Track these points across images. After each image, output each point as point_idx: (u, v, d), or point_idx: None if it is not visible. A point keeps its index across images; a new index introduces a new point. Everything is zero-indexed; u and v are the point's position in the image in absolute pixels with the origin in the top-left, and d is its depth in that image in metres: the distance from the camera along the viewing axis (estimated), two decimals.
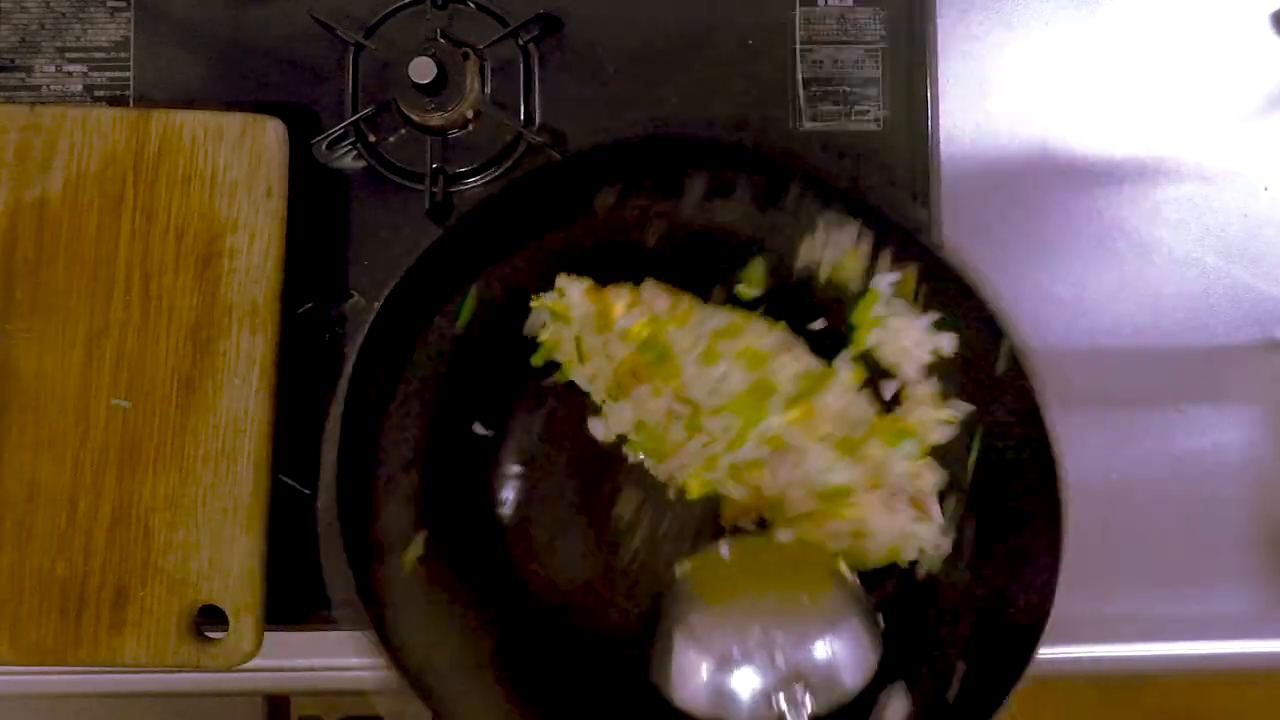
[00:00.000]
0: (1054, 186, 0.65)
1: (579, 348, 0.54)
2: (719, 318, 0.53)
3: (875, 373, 0.54)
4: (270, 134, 0.58)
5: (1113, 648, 0.63)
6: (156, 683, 0.60)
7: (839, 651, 0.49)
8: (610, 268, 0.55)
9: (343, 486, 0.48)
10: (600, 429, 0.56)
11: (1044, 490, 0.51)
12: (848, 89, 0.64)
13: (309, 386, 0.61)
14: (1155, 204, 0.65)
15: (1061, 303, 0.64)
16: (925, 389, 0.54)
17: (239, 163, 0.58)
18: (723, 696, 0.48)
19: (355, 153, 0.63)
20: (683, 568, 0.53)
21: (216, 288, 0.57)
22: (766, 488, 0.54)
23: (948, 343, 0.54)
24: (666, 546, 0.56)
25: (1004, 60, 0.66)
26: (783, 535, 0.53)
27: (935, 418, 0.53)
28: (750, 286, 0.55)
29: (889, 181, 0.62)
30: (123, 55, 0.63)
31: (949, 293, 0.53)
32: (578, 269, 0.55)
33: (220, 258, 0.57)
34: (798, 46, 0.64)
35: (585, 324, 0.53)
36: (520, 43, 0.63)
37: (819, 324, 0.55)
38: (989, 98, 0.65)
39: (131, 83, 0.63)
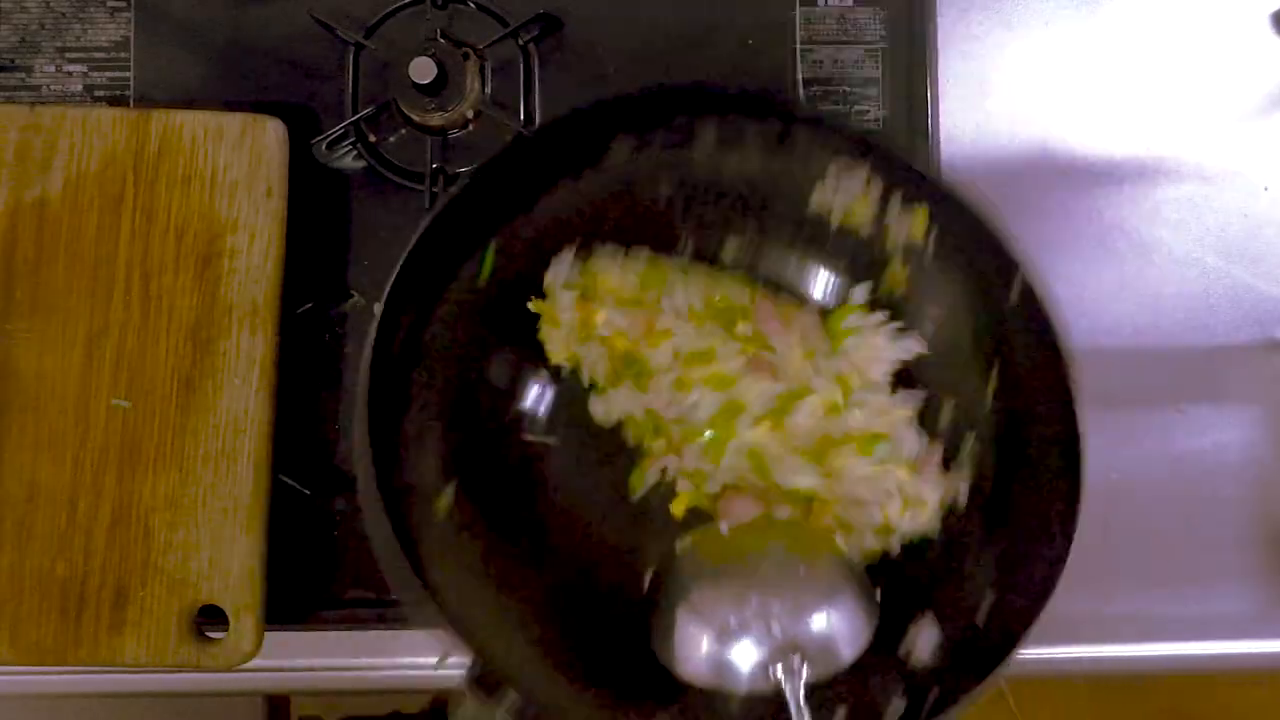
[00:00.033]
0: (1054, 186, 0.65)
1: (568, 348, 0.54)
2: (690, 338, 0.54)
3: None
4: (270, 134, 0.58)
5: (1113, 648, 0.63)
6: (156, 683, 0.60)
7: (835, 622, 0.50)
8: (626, 222, 0.55)
9: (374, 436, 0.48)
10: (600, 409, 0.56)
11: (1062, 414, 0.51)
12: (848, 89, 0.64)
13: (309, 386, 0.61)
14: (1155, 204, 0.65)
15: (1061, 303, 0.64)
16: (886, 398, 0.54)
17: (239, 163, 0.58)
18: (722, 667, 0.49)
19: (355, 153, 0.63)
20: (683, 543, 0.54)
21: (216, 288, 0.57)
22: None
23: (915, 346, 0.54)
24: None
25: (1004, 60, 0.66)
26: (780, 512, 0.54)
27: (901, 415, 0.54)
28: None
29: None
30: (123, 55, 0.63)
31: (960, 230, 0.53)
32: (593, 224, 0.54)
33: (220, 258, 0.57)
34: (798, 46, 0.64)
35: (572, 328, 0.54)
36: (520, 43, 0.63)
37: (828, 279, 0.56)
38: (989, 98, 0.65)
39: (131, 83, 0.63)
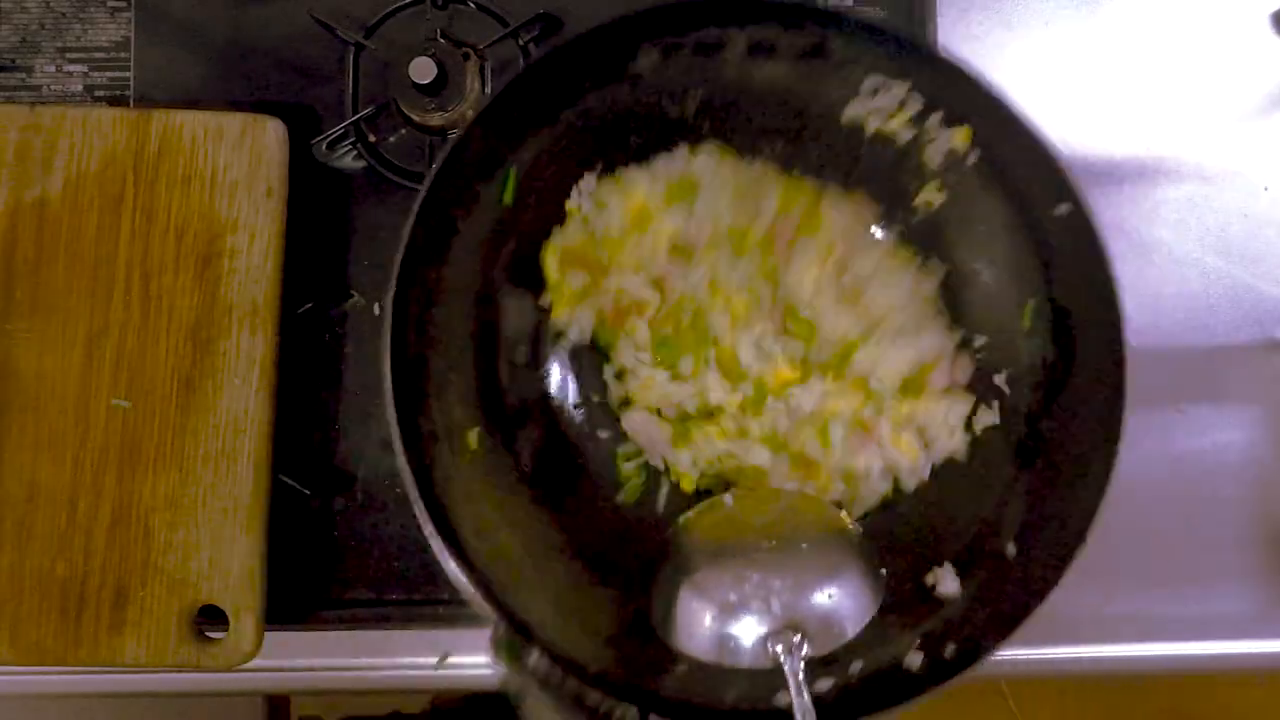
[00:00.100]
0: None
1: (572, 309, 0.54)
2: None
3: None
4: (270, 134, 0.58)
5: (1113, 648, 0.63)
6: (156, 683, 0.60)
7: (837, 599, 0.49)
8: (651, 139, 0.54)
9: (397, 378, 0.48)
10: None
11: (1107, 349, 0.50)
12: None
13: (309, 386, 0.61)
14: (1155, 204, 0.65)
15: None
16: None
17: (239, 163, 0.58)
18: (722, 644, 0.49)
19: (355, 153, 0.63)
20: (685, 516, 0.54)
21: (216, 288, 0.57)
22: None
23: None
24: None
25: (1004, 60, 0.66)
26: (787, 485, 0.54)
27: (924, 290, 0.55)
28: None
29: None
30: (123, 55, 0.63)
31: (1004, 152, 0.52)
32: (618, 142, 0.54)
33: (220, 258, 0.57)
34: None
35: (621, 224, 0.54)
36: (520, 43, 0.63)
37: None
38: None
39: (131, 83, 0.63)
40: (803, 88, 0.54)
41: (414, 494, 0.47)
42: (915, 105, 0.53)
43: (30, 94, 0.63)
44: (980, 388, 0.55)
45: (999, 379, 0.54)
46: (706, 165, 0.55)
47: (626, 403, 0.56)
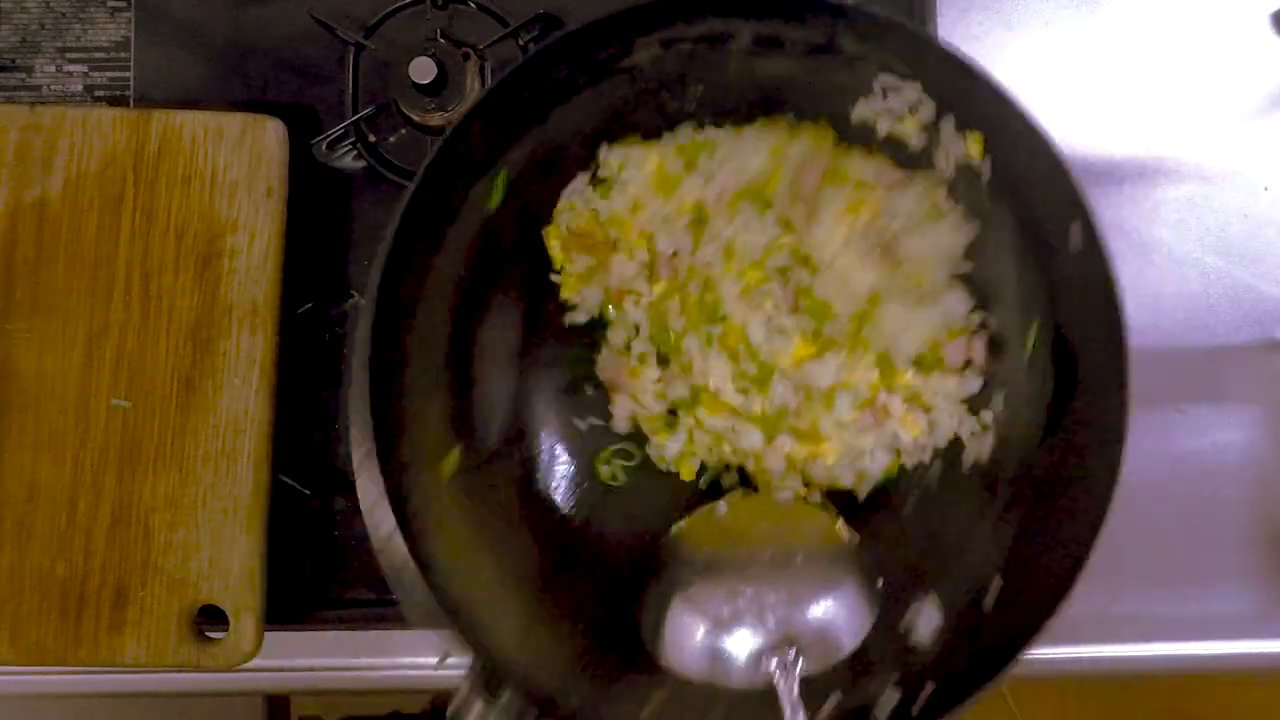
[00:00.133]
0: None
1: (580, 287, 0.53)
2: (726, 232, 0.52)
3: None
4: (270, 134, 0.58)
5: (1113, 648, 0.63)
6: (156, 683, 0.60)
7: (833, 613, 0.48)
8: (649, 130, 0.53)
9: (375, 397, 0.46)
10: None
11: (1108, 383, 0.47)
12: None
13: (309, 386, 0.61)
14: (1155, 204, 0.65)
15: None
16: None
17: (239, 163, 0.58)
18: (715, 659, 0.47)
19: (355, 153, 0.63)
20: (678, 526, 0.53)
21: (216, 288, 0.57)
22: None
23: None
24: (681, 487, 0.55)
25: (1004, 60, 0.66)
26: (781, 495, 0.53)
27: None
28: None
29: None
30: (123, 55, 0.63)
31: (1018, 163, 0.49)
32: (613, 134, 0.53)
33: (220, 258, 0.57)
34: None
35: (643, 189, 0.52)
36: (520, 43, 0.63)
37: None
38: None
39: (131, 83, 0.63)
40: (811, 83, 0.52)
41: (382, 535, 0.45)
42: (928, 110, 0.51)
43: (30, 94, 0.63)
44: (978, 405, 0.53)
45: (996, 402, 0.53)
46: (718, 131, 0.53)
47: (617, 389, 0.55)
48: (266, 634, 0.57)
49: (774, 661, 0.46)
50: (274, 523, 0.57)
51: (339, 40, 0.62)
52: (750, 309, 0.52)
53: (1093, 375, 0.49)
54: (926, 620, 0.50)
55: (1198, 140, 0.66)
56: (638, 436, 0.55)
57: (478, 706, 0.45)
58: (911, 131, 0.52)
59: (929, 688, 0.47)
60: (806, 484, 0.54)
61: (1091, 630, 0.62)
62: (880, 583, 0.50)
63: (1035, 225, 0.51)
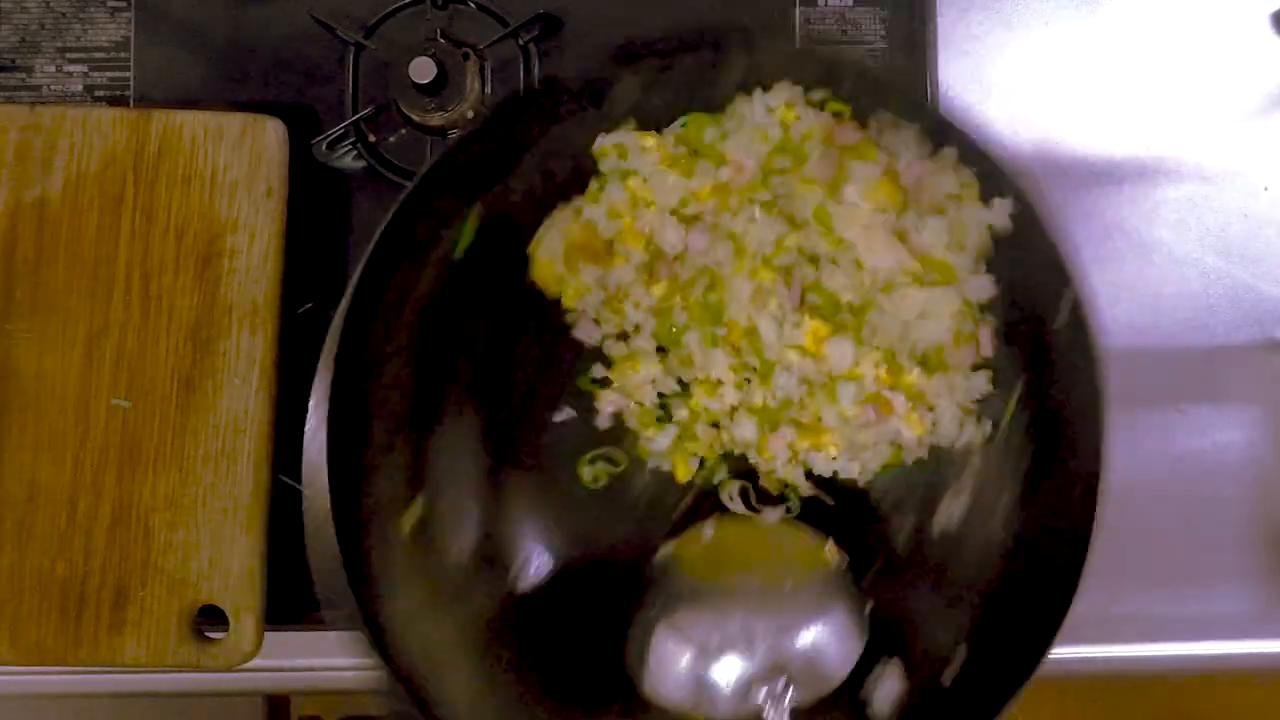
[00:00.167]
0: (1054, 186, 0.65)
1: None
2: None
3: None
4: (270, 134, 0.58)
5: (1113, 648, 0.63)
6: (156, 683, 0.60)
7: (823, 641, 0.47)
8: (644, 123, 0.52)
9: (333, 453, 0.44)
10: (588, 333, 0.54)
11: (1085, 459, 0.46)
12: None
13: (309, 387, 0.61)
14: (1155, 204, 0.65)
15: None
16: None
17: (239, 163, 0.58)
18: (700, 688, 0.46)
19: (355, 153, 0.63)
20: (664, 550, 0.51)
21: (216, 288, 0.57)
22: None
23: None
24: (670, 495, 0.54)
25: (1004, 60, 0.66)
26: (768, 517, 0.52)
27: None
28: None
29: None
30: (123, 55, 0.63)
31: (1015, 229, 0.48)
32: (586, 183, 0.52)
33: (220, 258, 0.57)
34: (798, 46, 0.64)
35: (651, 173, 0.51)
36: (520, 43, 0.63)
37: None
38: (989, 98, 0.65)
39: (131, 83, 0.63)
40: None
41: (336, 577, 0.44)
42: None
43: (30, 94, 0.63)
44: (951, 475, 0.52)
45: (971, 467, 0.51)
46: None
47: (606, 382, 0.54)
48: (266, 634, 0.57)
49: (763, 692, 0.45)
50: (274, 523, 0.57)
51: (339, 40, 0.62)
52: (758, 309, 0.50)
53: (1070, 447, 0.48)
54: (887, 689, 0.48)
55: (1198, 140, 0.66)
56: (619, 436, 0.54)
57: None
58: None
59: None
60: (808, 474, 0.53)
61: (1091, 630, 0.62)
62: (869, 608, 0.49)
63: (1024, 289, 0.49)
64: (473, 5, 0.63)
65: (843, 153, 0.50)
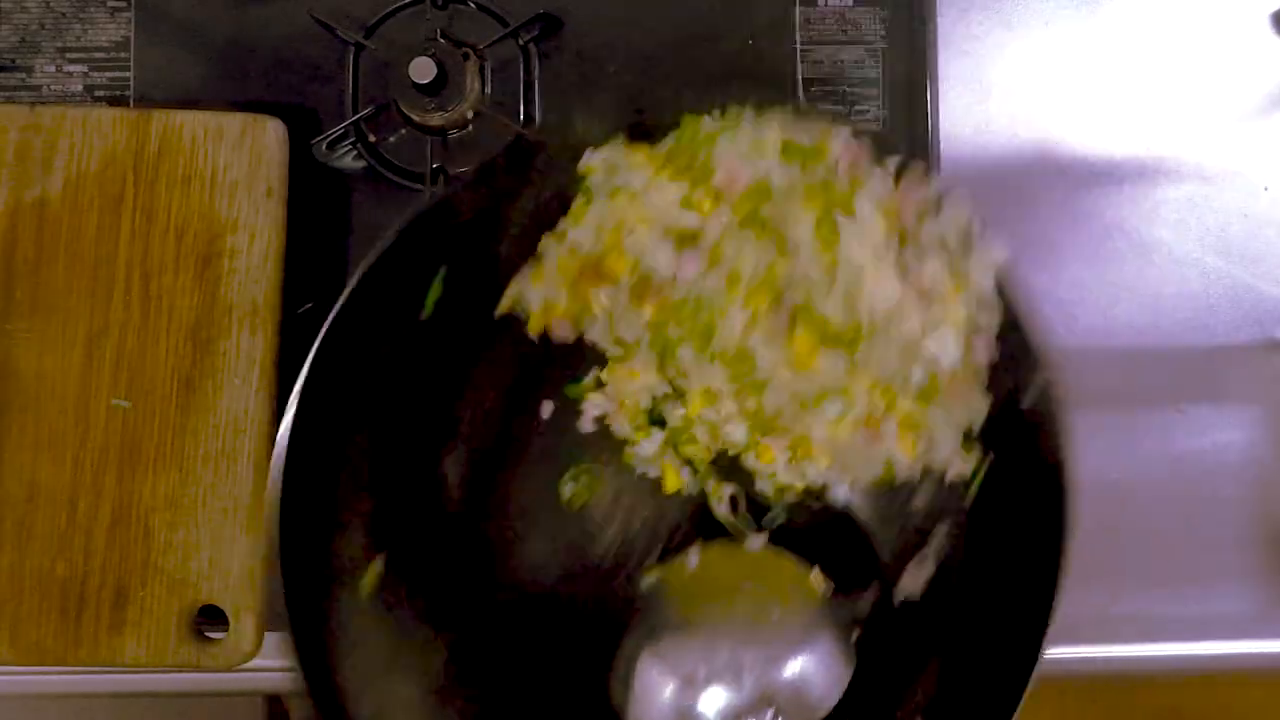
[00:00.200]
0: (1054, 186, 0.65)
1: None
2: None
3: None
4: (270, 134, 0.58)
5: (1113, 648, 0.63)
6: (156, 683, 0.60)
7: (810, 671, 0.46)
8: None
9: (286, 515, 0.44)
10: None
11: (1046, 548, 0.45)
12: (848, 89, 0.64)
13: None
14: (1155, 204, 0.65)
15: (1061, 303, 0.64)
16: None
17: (239, 163, 0.58)
18: None
19: (355, 153, 0.63)
20: (648, 580, 0.51)
21: (216, 288, 0.57)
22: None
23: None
24: (641, 541, 0.53)
25: (1004, 60, 0.66)
26: (753, 544, 0.51)
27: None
28: None
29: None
30: (123, 55, 0.63)
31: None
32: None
33: (220, 258, 0.57)
34: (798, 46, 0.64)
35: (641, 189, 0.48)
36: (520, 43, 0.63)
37: None
38: (989, 98, 0.65)
39: (131, 83, 0.63)
40: None
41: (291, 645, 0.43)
42: None
43: (30, 94, 0.63)
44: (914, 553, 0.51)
45: (933, 540, 0.50)
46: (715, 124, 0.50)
47: (599, 385, 0.53)
48: (266, 634, 0.57)
49: None
50: None
51: (339, 40, 0.62)
52: (749, 333, 0.48)
53: (1031, 529, 0.46)
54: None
55: (1198, 140, 0.66)
56: (601, 447, 0.53)
57: None
58: None
59: None
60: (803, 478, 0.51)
61: (1091, 630, 0.62)
62: (855, 636, 0.48)
63: (999, 363, 0.48)
64: (473, 5, 0.63)
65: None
